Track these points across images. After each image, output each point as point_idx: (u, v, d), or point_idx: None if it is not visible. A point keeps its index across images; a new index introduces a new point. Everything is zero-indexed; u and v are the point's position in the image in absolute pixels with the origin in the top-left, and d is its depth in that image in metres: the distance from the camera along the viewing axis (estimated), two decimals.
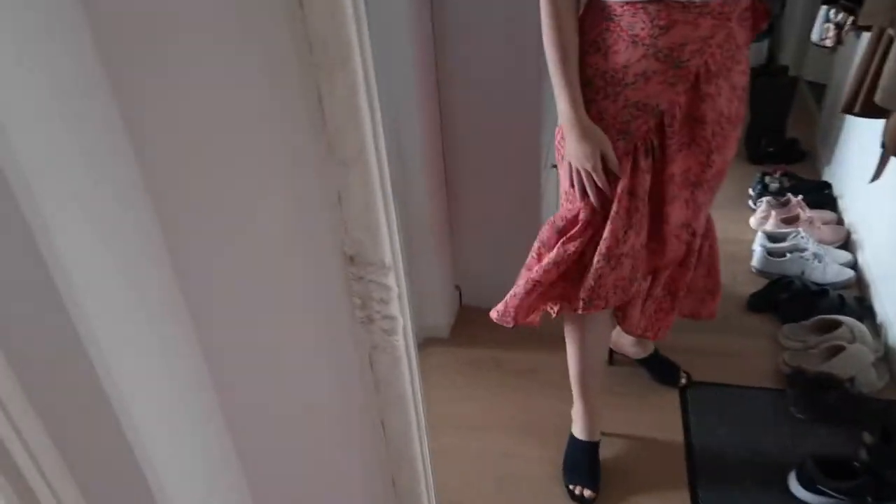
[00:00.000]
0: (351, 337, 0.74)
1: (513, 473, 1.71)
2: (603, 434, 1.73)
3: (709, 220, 1.54)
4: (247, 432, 0.86)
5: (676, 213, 1.36)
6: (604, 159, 1.28)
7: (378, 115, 0.61)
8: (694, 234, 1.44)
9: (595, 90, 1.26)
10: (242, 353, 0.79)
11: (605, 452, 1.71)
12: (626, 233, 1.34)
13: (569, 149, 1.29)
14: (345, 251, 0.67)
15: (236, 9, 0.58)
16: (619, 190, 1.30)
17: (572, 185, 1.35)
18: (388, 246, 0.66)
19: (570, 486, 1.65)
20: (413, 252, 2.00)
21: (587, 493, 1.63)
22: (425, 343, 2.14)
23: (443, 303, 2.13)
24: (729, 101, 1.29)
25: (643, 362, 1.93)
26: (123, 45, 0.60)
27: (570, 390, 1.68)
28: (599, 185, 1.30)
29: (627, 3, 1.18)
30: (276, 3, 0.58)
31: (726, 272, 1.79)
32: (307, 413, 0.85)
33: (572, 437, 1.71)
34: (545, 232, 1.44)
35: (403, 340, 0.72)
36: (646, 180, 1.31)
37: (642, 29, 1.18)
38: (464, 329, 2.18)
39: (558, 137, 1.38)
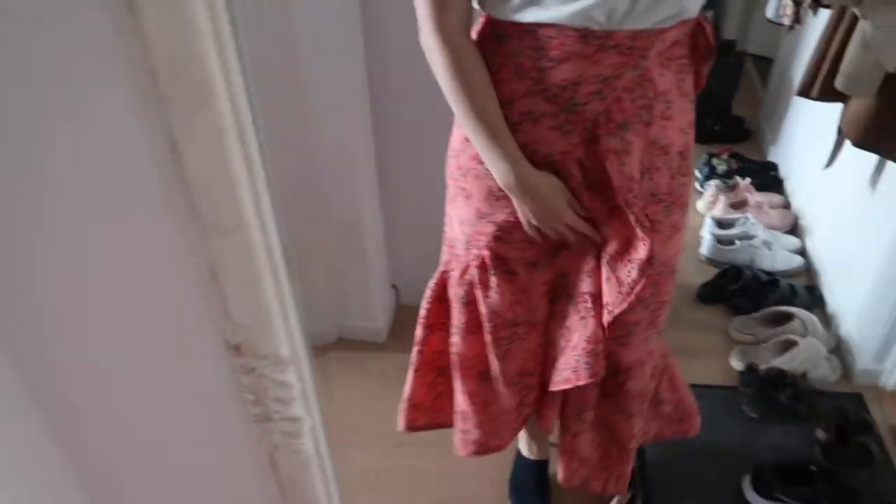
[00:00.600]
0: (246, 438, 0.57)
1: (458, 496, 1.59)
2: (552, 445, 1.62)
3: (664, 353, 1.25)
4: None
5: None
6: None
7: (260, 167, 0.44)
8: (627, 343, 1.12)
9: None
10: (123, 463, 0.61)
11: (554, 468, 1.60)
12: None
13: (532, 211, 0.99)
14: (226, 339, 0.50)
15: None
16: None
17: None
18: (284, 334, 0.49)
19: None
20: (345, 252, 1.83)
21: None
22: (360, 347, 1.98)
23: (379, 304, 1.97)
24: (649, 169, 0.97)
25: None
26: None
27: None
28: (587, 232, 1.03)
29: (513, 22, 0.89)
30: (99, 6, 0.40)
31: None
32: None
33: (519, 455, 1.59)
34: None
35: (313, 443, 0.56)
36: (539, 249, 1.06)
37: (528, 58, 0.90)
38: (403, 331, 2.02)
39: (452, 190, 1.10)
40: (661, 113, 0.96)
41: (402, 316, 2.07)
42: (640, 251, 0.97)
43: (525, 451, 1.57)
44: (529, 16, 0.87)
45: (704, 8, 0.96)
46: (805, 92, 1.68)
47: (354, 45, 1.56)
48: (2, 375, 0.53)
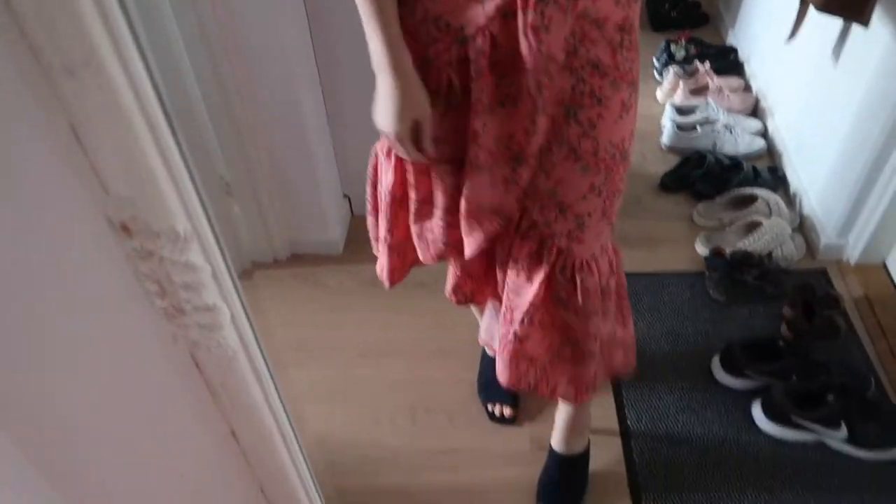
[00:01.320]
0: (158, 337, 0.49)
1: (426, 400, 1.56)
2: None
3: (616, 254, 1.12)
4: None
5: (478, 189, 0.98)
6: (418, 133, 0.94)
7: None
8: (582, 236, 1.02)
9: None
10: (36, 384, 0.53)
11: None
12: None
13: (376, 103, 0.93)
14: (109, 217, 0.41)
15: None
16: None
17: None
18: (179, 205, 0.41)
19: (488, 406, 1.52)
20: (288, 161, 1.72)
21: (507, 411, 1.50)
22: (317, 261, 1.90)
23: (332, 215, 1.88)
24: (582, 40, 0.88)
25: None
26: None
27: None
28: (408, 158, 0.98)
29: None
30: None
31: (634, 151, 1.61)
32: (130, 429, 0.61)
33: (485, 352, 1.56)
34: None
35: (237, 336, 0.49)
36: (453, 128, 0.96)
37: None
38: (359, 243, 1.95)
39: None
40: None
41: (358, 227, 1.99)
42: (533, 144, 0.92)
43: (490, 350, 1.54)
44: None
45: None
46: None
47: None
48: None
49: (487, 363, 1.55)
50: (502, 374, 1.16)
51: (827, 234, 1.77)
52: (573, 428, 1.36)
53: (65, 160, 0.39)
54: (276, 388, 0.55)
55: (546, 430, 1.45)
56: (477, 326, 1.52)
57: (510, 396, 1.51)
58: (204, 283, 0.44)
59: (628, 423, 1.49)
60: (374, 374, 1.62)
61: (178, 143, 0.39)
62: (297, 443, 0.64)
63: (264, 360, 0.52)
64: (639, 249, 1.86)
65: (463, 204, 0.99)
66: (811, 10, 1.61)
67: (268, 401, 0.55)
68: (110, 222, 0.42)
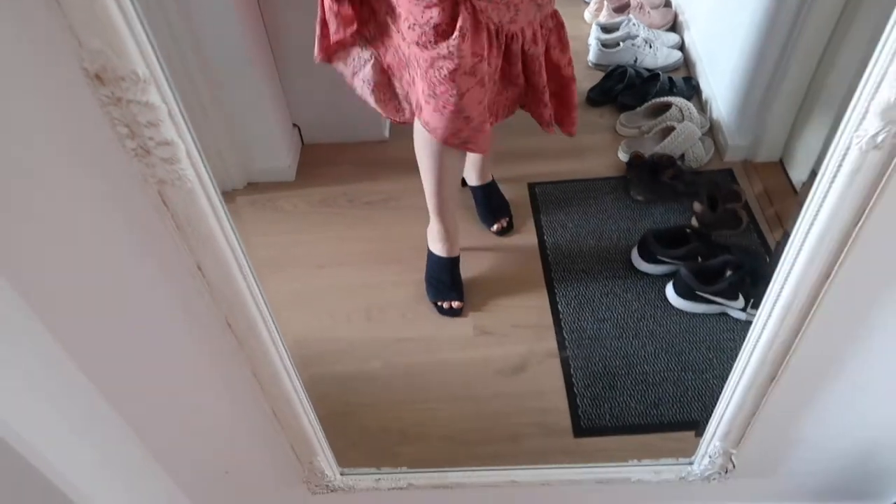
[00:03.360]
0: (131, 176, 0.63)
1: (379, 301, 1.72)
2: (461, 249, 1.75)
3: (556, 20, 1.43)
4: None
5: None
6: None
7: None
8: (515, 18, 1.27)
9: None
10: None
11: (464, 265, 1.75)
12: None
13: None
14: (86, 69, 0.55)
15: None
16: None
17: None
18: (138, 53, 0.54)
19: (438, 302, 1.69)
20: (236, 93, 1.82)
21: (455, 304, 1.67)
22: (271, 188, 2.02)
23: (283, 144, 1.99)
24: None
25: (476, 191, 1.86)
26: None
27: (424, 213, 1.66)
28: None
29: None
30: None
31: None
32: (111, 276, 0.75)
33: (432, 256, 1.72)
34: None
35: (192, 169, 0.63)
36: None
37: None
38: (310, 169, 2.07)
39: None
40: None
41: (308, 155, 2.11)
42: None
43: (438, 252, 1.69)
44: None
45: None
46: None
47: None
48: None
49: (435, 265, 1.71)
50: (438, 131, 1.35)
51: (733, 136, 1.95)
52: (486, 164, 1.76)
53: (49, 21, 0.52)
54: (230, 222, 0.70)
55: (486, 319, 1.64)
56: (420, 236, 1.69)
57: (458, 293, 1.68)
58: (162, 120, 0.58)
59: (559, 308, 1.68)
60: (332, 283, 1.77)
61: (133, 2, 0.52)
62: (256, 282, 0.79)
63: (216, 191, 0.66)
64: (569, 160, 2.03)
65: None
66: None
67: (224, 233, 0.70)
68: (86, 72, 0.55)
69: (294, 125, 2.09)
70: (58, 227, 0.70)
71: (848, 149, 0.61)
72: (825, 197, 0.65)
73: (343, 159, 2.07)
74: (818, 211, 0.68)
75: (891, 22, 0.53)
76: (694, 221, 1.82)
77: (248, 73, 1.77)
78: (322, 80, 1.95)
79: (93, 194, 0.67)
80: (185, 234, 0.68)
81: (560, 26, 1.43)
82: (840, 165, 0.62)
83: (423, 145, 1.45)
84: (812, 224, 0.69)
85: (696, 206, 1.82)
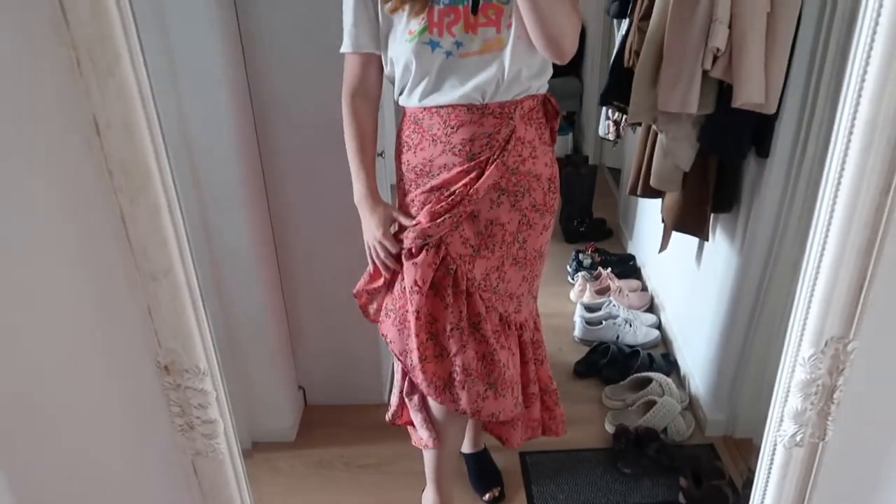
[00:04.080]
0: (173, 446, 0.75)
1: None
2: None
3: (534, 315, 1.64)
4: None
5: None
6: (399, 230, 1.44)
7: (183, 231, 0.66)
8: (519, 309, 1.53)
9: (408, 182, 1.43)
10: (58, 477, 0.77)
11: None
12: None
13: (364, 226, 1.46)
14: (159, 361, 0.70)
15: (39, 142, 0.62)
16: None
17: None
18: (203, 351, 0.69)
19: None
20: (251, 357, 1.97)
21: None
22: (271, 448, 2.08)
23: (287, 405, 2.10)
24: (528, 189, 1.40)
25: (469, 458, 1.94)
26: None
27: (416, 479, 1.71)
28: (392, 251, 1.43)
29: (425, 108, 1.34)
30: (75, 133, 0.62)
31: (552, 344, 1.94)
32: None
33: None
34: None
35: (226, 443, 0.75)
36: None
37: (438, 129, 1.34)
38: (310, 429, 2.16)
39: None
40: (530, 154, 1.39)
41: (309, 415, 2.20)
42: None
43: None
44: (432, 102, 1.32)
45: (564, 132, 1.48)
46: (633, 191, 2.07)
47: (245, 143, 1.81)
48: None
49: None
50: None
51: (711, 411, 2.07)
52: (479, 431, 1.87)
53: (140, 326, 0.69)
54: (248, 490, 0.80)
55: None
56: (414, 501, 1.72)
57: None
58: (211, 403, 0.71)
59: None
60: None
61: (206, 314, 0.69)
62: None
63: (241, 463, 0.77)
64: None
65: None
66: None
67: (241, 499, 0.80)
68: (158, 364, 0.70)
69: (299, 387, 2.22)
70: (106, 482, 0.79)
71: (774, 447, 0.73)
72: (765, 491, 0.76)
73: (343, 421, 2.16)
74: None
75: (786, 359, 0.69)
76: (681, 498, 1.86)
77: (261, 335, 1.94)
78: (331, 344, 2.14)
79: (137, 460, 0.78)
80: (207, 500, 0.78)
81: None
82: (771, 461, 0.74)
83: (433, 413, 1.58)
84: None
85: (682, 482, 1.87)
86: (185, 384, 0.70)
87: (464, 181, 1.35)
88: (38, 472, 0.76)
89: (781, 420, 0.71)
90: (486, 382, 1.48)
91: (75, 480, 0.78)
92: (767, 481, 0.75)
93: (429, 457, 1.64)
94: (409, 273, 1.41)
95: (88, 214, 0.65)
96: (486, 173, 1.34)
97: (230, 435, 0.74)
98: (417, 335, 1.43)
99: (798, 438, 0.71)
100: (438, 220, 1.36)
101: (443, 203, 1.36)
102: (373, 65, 1.38)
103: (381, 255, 1.45)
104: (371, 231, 1.44)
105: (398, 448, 2.01)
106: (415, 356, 1.45)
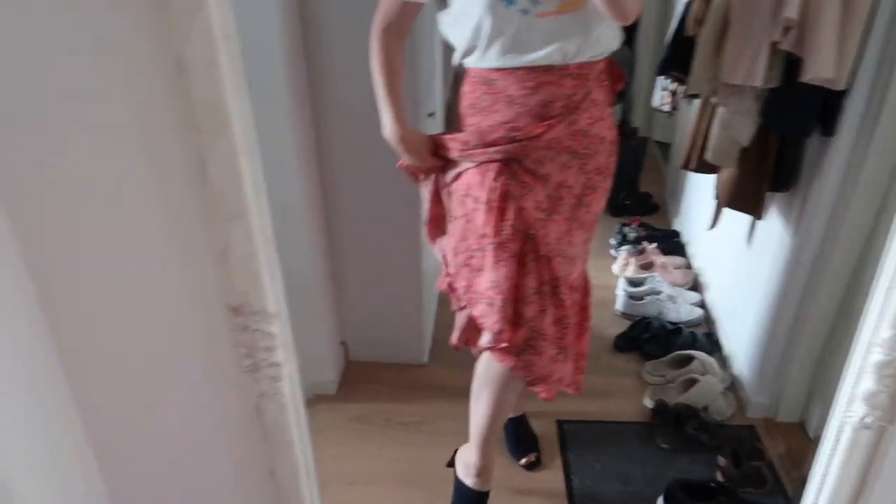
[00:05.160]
0: (238, 386, 0.77)
1: None
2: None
3: (585, 278, 1.62)
4: (133, 487, 0.85)
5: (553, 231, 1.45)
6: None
7: (259, 173, 0.67)
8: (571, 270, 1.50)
9: (472, 147, 1.38)
10: (126, 411, 0.79)
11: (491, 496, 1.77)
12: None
13: (403, 158, 1.45)
14: (229, 302, 0.71)
15: (122, 79, 0.63)
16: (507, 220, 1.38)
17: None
18: (272, 295, 0.71)
19: None
20: (297, 309, 2.00)
21: None
22: (313, 400, 2.13)
23: (329, 359, 2.14)
24: (596, 152, 1.39)
25: (508, 423, 1.92)
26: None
27: (456, 440, 1.73)
28: (436, 166, 1.44)
29: (500, 69, 1.30)
30: (158, 71, 0.63)
31: (594, 317, 1.92)
32: (197, 464, 0.85)
33: (462, 487, 1.73)
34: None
35: (290, 386, 0.76)
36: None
37: (515, 90, 1.31)
38: (351, 385, 2.20)
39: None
40: (598, 116, 1.38)
41: (351, 371, 2.24)
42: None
43: (471, 484, 1.70)
44: (509, 63, 1.29)
45: (615, 102, 1.46)
46: (685, 165, 2.02)
47: (301, 110, 1.81)
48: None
49: (464, 496, 1.73)
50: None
51: (754, 393, 2.05)
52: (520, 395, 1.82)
53: (214, 268, 0.70)
54: (308, 433, 0.81)
55: None
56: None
57: None
58: (277, 346, 0.73)
59: None
60: (360, 500, 1.80)
61: (276, 258, 0.70)
62: (315, 489, 0.88)
63: (303, 406, 0.79)
64: (596, 401, 2.12)
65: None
66: None
67: (301, 443, 0.81)
68: (228, 305, 0.71)
69: (342, 342, 2.25)
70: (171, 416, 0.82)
71: (841, 428, 0.72)
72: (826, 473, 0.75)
73: (383, 378, 2.20)
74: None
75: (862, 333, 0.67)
76: (718, 475, 1.85)
77: (308, 288, 1.96)
78: (375, 301, 2.16)
79: (202, 398, 0.80)
80: (270, 442, 0.80)
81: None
82: (836, 442, 0.73)
83: (492, 377, 1.56)
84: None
85: (721, 461, 1.86)
86: (254, 326, 0.71)
87: (531, 129, 1.33)
88: (106, 395, 0.78)
89: (851, 401, 0.70)
90: (558, 346, 1.47)
91: (140, 411, 0.81)
92: (830, 463, 0.74)
93: (482, 422, 1.62)
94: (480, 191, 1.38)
95: (168, 154, 0.66)
96: (558, 127, 1.33)
97: (294, 379, 0.75)
98: (503, 307, 1.40)
99: (867, 421, 0.69)
100: (488, 148, 1.35)
101: (500, 133, 1.34)
102: (413, 12, 1.37)
103: (426, 175, 1.45)
104: (414, 155, 1.43)
105: (439, 408, 2.03)
106: (497, 319, 1.43)
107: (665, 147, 3.57)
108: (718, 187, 1.96)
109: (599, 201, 1.48)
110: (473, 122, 1.38)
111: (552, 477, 1.87)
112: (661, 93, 2.18)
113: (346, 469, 1.89)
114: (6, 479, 0.68)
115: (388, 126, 1.40)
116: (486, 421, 1.61)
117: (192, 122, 0.64)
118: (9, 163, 0.65)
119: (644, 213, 3.16)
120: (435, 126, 2.01)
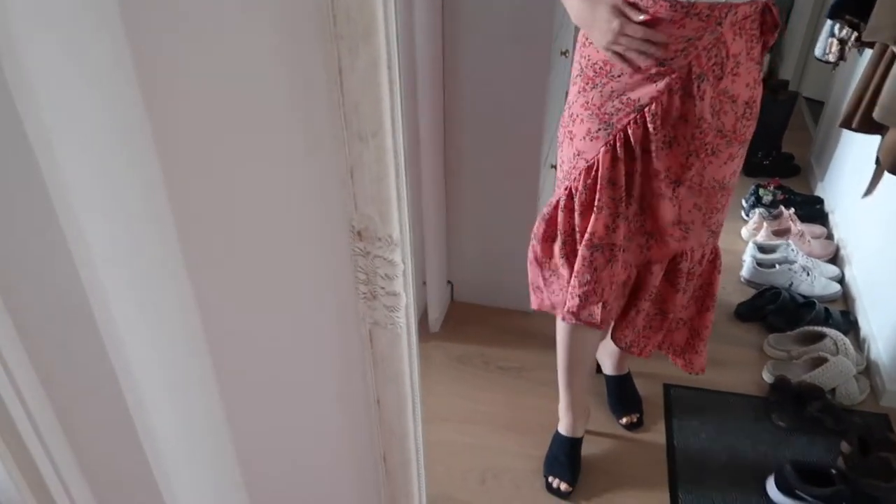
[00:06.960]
0: (353, 312, 0.75)
1: (496, 466, 1.73)
2: (587, 433, 1.75)
3: (715, 253, 1.51)
4: (240, 402, 0.86)
5: (665, 211, 1.35)
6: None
7: (398, 90, 0.62)
8: (686, 236, 1.41)
9: (585, 80, 1.29)
10: (242, 322, 0.80)
11: (588, 451, 1.73)
12: (614, 221, 1.34)
13: (599, 39, 1.21)
14: (353, 226, 0.68)
15: None
16: (599, 182, 1.30)
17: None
18: (398, 222, 0.67)
19: (549, 479, 1.67)
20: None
21: (563, 486, 1.65)
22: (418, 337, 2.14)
23: (435, 297, 2.14)
24: (718, 112, 1.25)
25: (610, 380, 1.89)
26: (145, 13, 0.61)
27: (553, 390, 1.70)
28: (645, 36, 1.17)
29: None
30: None
31: None
32: (303, 385, 0.86)
33: (556, 433, 1.73)
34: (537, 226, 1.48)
35: (405, 318, 0.73)
36: (623, 172, 1.30)
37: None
38: (454, 325, 2.19)
39: (561, 137, 1.38)
40: (731, 70, 1.22)
41: (455, 311, 2.24)
42: (695, 167, 1.30)
43: (561, 429, 1.70)
44: None
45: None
46: (847, 123, 1.81)
47: (434, 50, 1.76)
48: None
49: (556, 442, 1.71)
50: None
51: (892, 381, 1.86)
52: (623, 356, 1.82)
53: (341, 189, 0.67)
54: (418, 367, 0.79)
55: None
56: (551, 412, 1.72)
57: (571, 475, 1.66)
58: (397, 276, 0.70)
59: None
60: (453, 438, 1.81)
61: (406, 183, 0.66)
62: (420, 423, 0.87)
63: (416, 340, 0.76)
64: (709, 369, 1.99)
65: (661, 226, 1.38)
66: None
67: (411, 377, 0.79)
68: (352, 229, 0.68)
69: (448, 282, 2.24)
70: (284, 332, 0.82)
71: None
72: None
73: (487, 322, 2.18)
74: None
75: None
76: (840, 462, 1.71)
77: (420, 226, 1.95)
78: (484, 245, 2.13)
79: (316, 320, 0.79)
80: (377, 371, 0.78)
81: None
82: None
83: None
84: None
85: (845, 447, 1.72)
86: (375, 252, 0.68)
87: (650, 92, 1.21)
88: (227, 309, 0.79)
89: None
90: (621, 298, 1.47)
91: (255, 325, 0.81)
92: None
93: (561, 365, 1.62)
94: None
95: (304, 63, 0.63)
96: (698, 94, 1.19)
97: (410, 311, 0.73)
98: (583, 254, 1.37)
99: None
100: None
101: (626, 116, 1.23)
102: None
103: (635, 44, 1.18)
104: (614, 35, 1.17)
105: (540, 357, 1.99)
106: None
107: (816, 105, 3.24)
108: (882, 150, 1.74)
109: (719, 168, 1.32)
110: (586, 52, 1.27)
111: (654, 439, 1.80)
112: (829, 40, 1.94)
113: (441, 406, 1.90)
114: (142, 399, 0.71)
115: (575, 7, 1.21)
116: (561, 364, 1.62)
117: (334, 30, 0.60)
118: (153, 63, 0.64)
119: (784, 174, 2.91)
120: (566, 66, 1.90)
